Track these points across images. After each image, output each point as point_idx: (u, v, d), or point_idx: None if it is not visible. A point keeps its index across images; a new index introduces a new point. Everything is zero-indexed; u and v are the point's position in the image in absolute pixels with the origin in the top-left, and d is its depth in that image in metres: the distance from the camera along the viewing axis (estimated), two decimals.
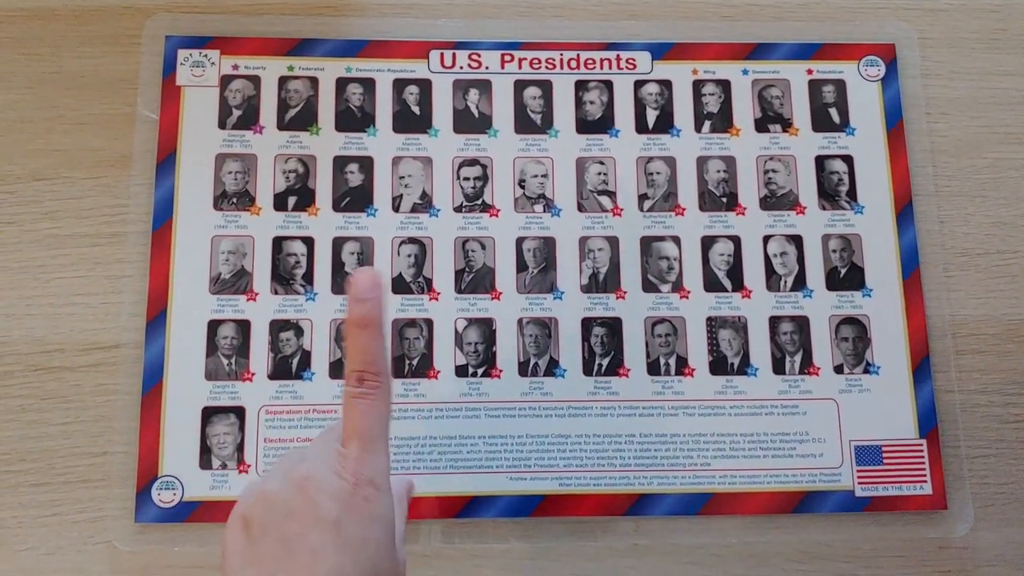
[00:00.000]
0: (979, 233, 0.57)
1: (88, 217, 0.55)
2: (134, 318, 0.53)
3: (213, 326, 0.53)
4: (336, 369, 0.53)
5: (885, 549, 0.52)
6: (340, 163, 0.56)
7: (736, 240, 0.56)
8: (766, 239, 0.56)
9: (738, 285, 0.55)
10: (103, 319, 0.53)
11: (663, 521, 0.52)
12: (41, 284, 0.54)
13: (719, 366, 0.54)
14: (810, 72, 0.58)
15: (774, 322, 0.55)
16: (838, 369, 0.54)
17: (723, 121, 0.58)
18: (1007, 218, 0.57)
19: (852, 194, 0.57)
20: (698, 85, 0.58)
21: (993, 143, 0.59)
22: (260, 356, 0.53)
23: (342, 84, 0.57)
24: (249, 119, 0.56)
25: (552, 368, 0.53)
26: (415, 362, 0.53)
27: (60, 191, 0.55)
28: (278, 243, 0.54)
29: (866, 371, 0.54)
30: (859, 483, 0.52)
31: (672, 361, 0.54)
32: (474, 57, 0.58)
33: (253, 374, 0.52)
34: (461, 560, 0.51)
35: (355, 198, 0.55)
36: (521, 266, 0.55)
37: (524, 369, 0.53)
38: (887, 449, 0.53)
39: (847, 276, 0.55)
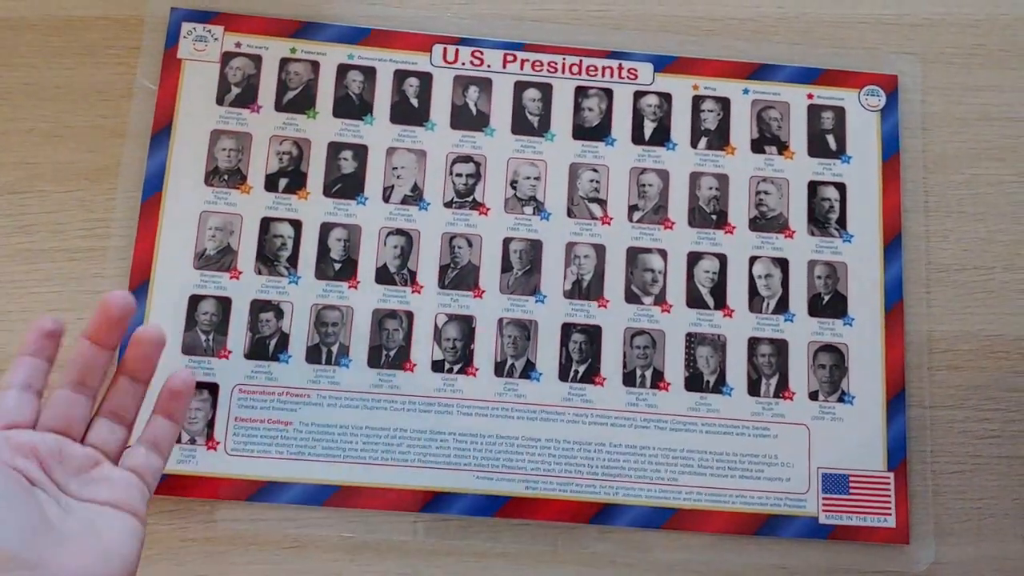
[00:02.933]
0: (957, 249, 0.57)
1: (63, 232, 0.54)
2: None
3: (194, 301, 0.53)
4: (313, 354, 0.53)
5: None
6: (335, 149, 0.56)
7: (722, 258, 0.56)
8: (752, 260, 0.56)
9: (720, 303, 0.55)
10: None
11: (626, 532, 0.52)
12: (14, 300, 0.53)
13: (695, 382, 0.54)
14: (810, 97, 0.58)
15: (753, 343, 0.55)
16: (813, 396, 0.54)
17: (720, 139, 0.58)
18: (984, 234, 0.57)
19: (842, 222, 0.57)
20: (698, 100, 0.58)
21: (970, 159, 0.58)
22: (238, 334, 0.53)
23: (343, 70, 0.57)
24: (247, 97, 0.56)
25: (528, 371, 0.53)
26: (392, 353, 0.53)
27: (34, 204, 0.54)
28: (266, 224, 0.54)
29: (840, 400, 0.54)
30: (824, 510, 0.52)
31: (648, 373, 0.54)
32: (477, 54, 0.58)
33: (230, 352, 0.52)
34: (421, 555, 0.51)
35: (346, 185, 0.55)
36: (506, 266, 0.55)
37: (500, 369, 0.53)
38: (854, 479, 0.53)
39: (830, 303, 0.55)
